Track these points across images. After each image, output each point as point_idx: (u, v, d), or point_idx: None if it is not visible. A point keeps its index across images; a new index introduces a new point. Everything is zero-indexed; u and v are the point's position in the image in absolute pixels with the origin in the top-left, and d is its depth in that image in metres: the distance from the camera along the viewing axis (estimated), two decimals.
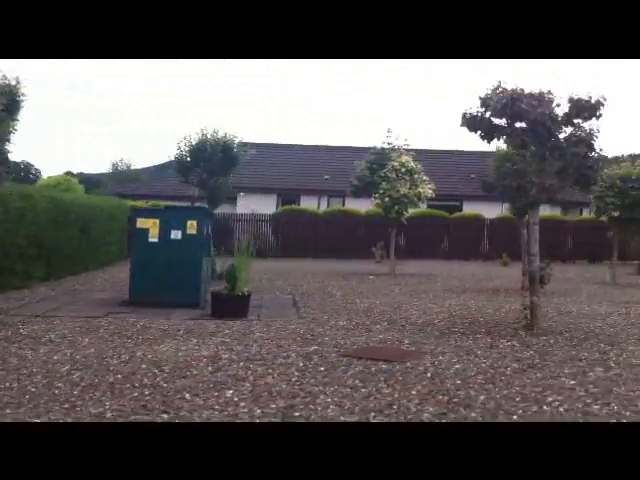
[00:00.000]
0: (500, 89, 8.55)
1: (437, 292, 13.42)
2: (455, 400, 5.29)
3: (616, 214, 16.32)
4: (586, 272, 20.38)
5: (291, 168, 32.64)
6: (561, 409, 5.13)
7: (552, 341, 7.93)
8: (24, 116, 12.54)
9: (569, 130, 8.73)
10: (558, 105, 8.62)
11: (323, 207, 28.95)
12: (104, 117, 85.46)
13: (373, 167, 18.40)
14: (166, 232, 10.40)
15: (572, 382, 5.96)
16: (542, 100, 8.46)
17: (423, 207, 23.56)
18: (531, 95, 8.48)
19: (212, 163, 15.64)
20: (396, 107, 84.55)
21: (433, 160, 31.63)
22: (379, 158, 18.56)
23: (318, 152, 34.02)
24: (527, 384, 5.88)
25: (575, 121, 8.70)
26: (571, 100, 8.61)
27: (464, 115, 8.77)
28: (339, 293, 12.83)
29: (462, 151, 34.80)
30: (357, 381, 5.82)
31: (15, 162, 15.32)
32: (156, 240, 10.38)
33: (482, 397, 5.40)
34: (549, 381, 5.99)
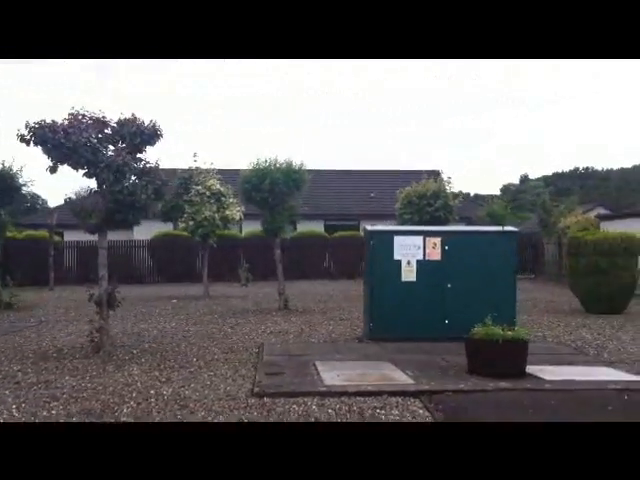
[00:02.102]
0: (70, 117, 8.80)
1: (190, 315, 13.63)
2: None
3: None
4: None
5: None
6: None
7: (97, 362, 8.35)
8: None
9: (140, 155, 9.20)
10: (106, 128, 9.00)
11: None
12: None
13: (178, 192, 18.52)
14: None
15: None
16: (78, 126, 8.71)
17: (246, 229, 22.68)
18: (70, 123, 8.72)
19: None
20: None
21: (330, 179, 31.96)
22: (186, 182, 18.63)
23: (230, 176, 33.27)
24: None
25: (142, 147, 9.20)
26: (128, 125, 9.04)
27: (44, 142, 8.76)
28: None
29: (363, 170, 34.86)
30: None
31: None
32: None
33: None
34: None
